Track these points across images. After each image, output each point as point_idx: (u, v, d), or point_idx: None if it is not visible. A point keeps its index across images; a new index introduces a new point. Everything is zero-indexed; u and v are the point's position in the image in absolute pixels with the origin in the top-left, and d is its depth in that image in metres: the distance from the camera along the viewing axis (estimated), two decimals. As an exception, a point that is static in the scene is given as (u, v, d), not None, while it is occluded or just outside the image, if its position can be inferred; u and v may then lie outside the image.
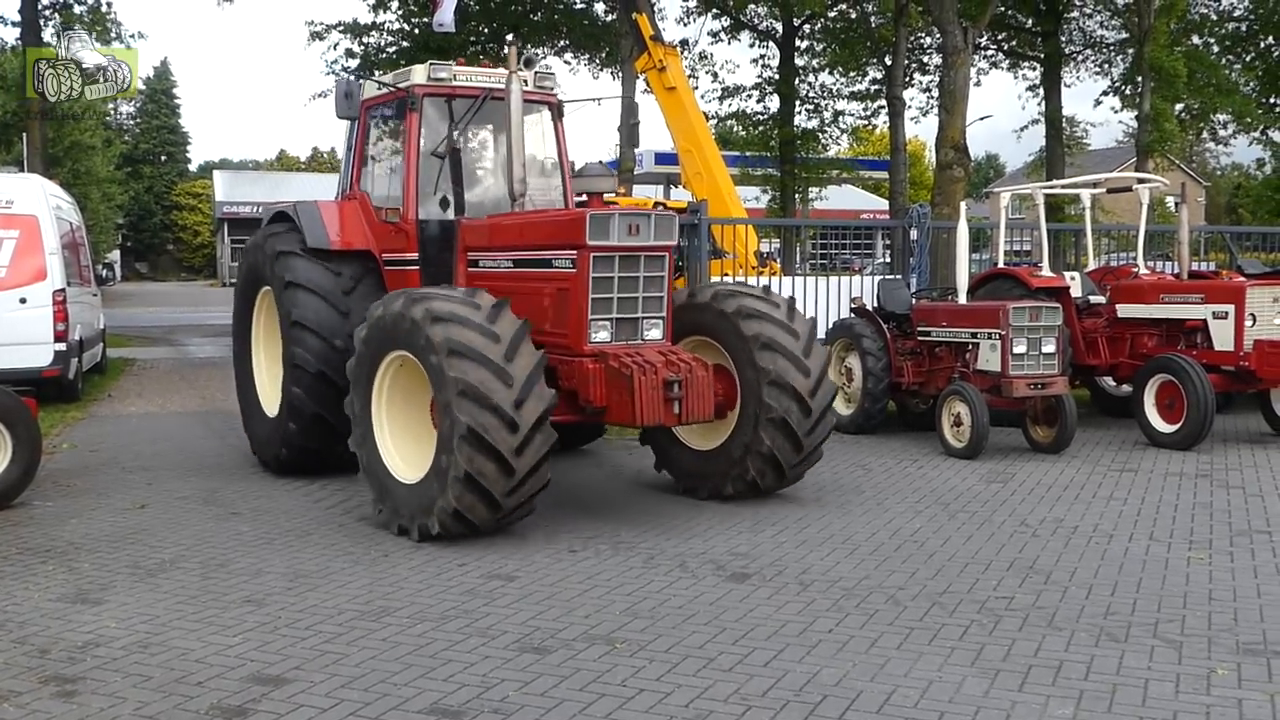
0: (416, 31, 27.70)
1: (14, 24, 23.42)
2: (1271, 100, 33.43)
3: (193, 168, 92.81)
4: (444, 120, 9.92)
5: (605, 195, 8.92)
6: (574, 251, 7.97)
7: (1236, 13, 33.88)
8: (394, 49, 28.26)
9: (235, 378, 11.04)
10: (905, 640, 5.65)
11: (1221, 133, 35.53)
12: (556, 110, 10.34)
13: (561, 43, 30.77)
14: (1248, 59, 33.69)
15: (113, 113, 71.64)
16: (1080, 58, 34.89)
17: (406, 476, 7.80)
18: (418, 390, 7.88)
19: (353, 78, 9.21)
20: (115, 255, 71.95)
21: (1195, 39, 31.94)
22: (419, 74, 9.62)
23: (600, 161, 10.00)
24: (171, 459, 11.06)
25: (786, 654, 5.46)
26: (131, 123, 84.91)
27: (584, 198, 9.28)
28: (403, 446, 8.07)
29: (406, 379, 7.97)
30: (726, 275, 15.05)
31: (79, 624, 5.94)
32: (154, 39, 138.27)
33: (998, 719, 4.67)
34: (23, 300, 13.41)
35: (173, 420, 13.89)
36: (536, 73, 10.02)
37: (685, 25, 37.69)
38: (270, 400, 10.30)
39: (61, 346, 13.80)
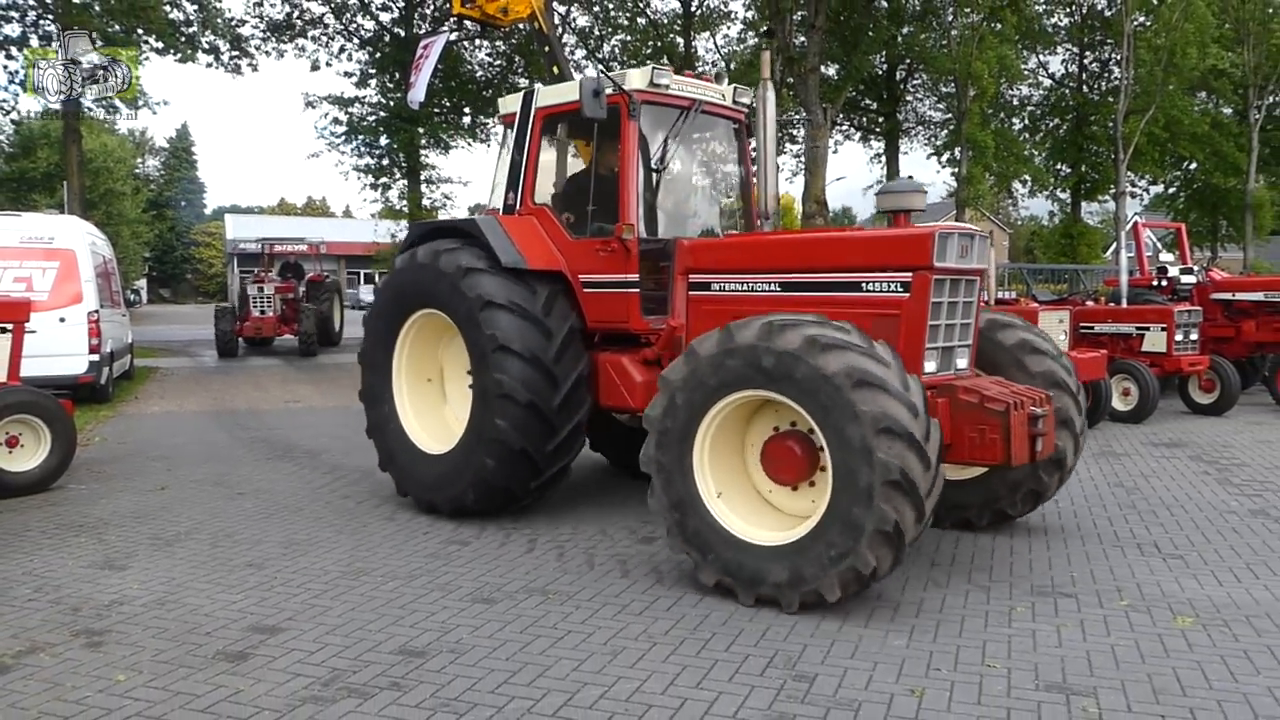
0: (391, 104, 27.34)
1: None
2: (1058, 166, 34.50)
3: (208, 211, 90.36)
4: (651, 130, 7.45)
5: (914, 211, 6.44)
6: (908, 274, 5.78)
7: (1033, 100, 35.02)
8: (373, 117, 27.87)
9: (368, 416, 8.01)
10: (778, 588, 5.68)
11: (1020, 191, 36.52)
12: (746, 129, 8.20)
13: (509, 115, 30.56)
14: (1039, 137, 34.76)
15: (141, 165, 69.66)
16: (914, 132, 35.68)
17: (760, 538, 5.39)
18: (741, 432, 5.76)
19: (599, 75, 6.92)
20: (142, 283, 69.88)
21: (1001, 119, 32.87)
22: (637, 78, 7.20)
23: (909, 176, 7.60)
24: (188, 449, 10.72)
25: (685, 600, 5.45)
26: (157, 174, 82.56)
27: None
28: (735, 501, 5.63)
29: (736, 419, 5.66)
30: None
31: (106, 586, 5.73)
32: (177, 104, 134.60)
33: (849, 649, 4.73)
34: (62, 319, 13.03)
35: (189, 418, 13.48)
36: (735, 88, 7.87)
37: (607, 103, 37.43)
38: (430, 438, 7.66)
39: (95, 357, 13.47)
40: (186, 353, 25.41)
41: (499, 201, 7.88)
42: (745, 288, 6.58)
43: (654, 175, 7.46)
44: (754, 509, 5.66)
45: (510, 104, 7.95)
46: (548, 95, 7.63)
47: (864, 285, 5.98)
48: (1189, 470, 9.30)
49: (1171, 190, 36.22)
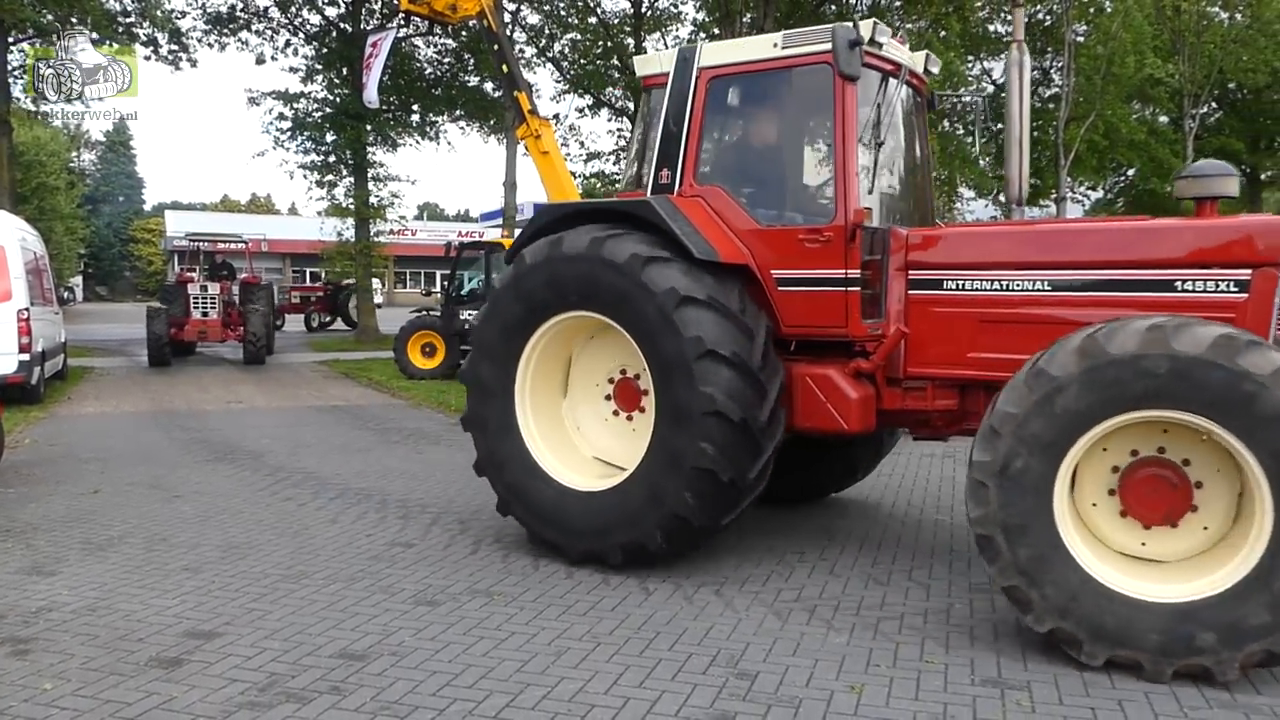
0: (338, 100, 27.01)
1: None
2: (999, 173, 35.21)
3: (147, 207, 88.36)
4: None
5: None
6: (1246, 271, 4.90)
7: (977, 104, 35.67)
8: (319, 114, 27.50)
9: (479, 447, 6.54)
10: (721, 588, 5.73)
11: (966, 195, 37.19)
12: (929, 102, 7.00)
13: (458, 112, 30.42)
14: (985, 140, 35.41)
15: (76, 159, 67.92)
16: (861, 135, 36.06)
17: (1162, 594, 4.39)
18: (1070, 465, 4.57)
19: (854, 21, 5.86)
20: (78, 280, 68.25)
21: (946, 124, 33.43)
22: (850, 34, 5.81)
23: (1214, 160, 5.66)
24: (123, 451, 10.48)
25: (629, 600, 5.47)
26: (93, 168, 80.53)
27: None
28: (1099, 553, 4.63)
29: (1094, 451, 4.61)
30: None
31: (34, 593, 5.57)
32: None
33: (790, 647, 4.78)
34: (-11, 318, 12.70)
35: (125, 419, 13.16)
36: (927, 55, 6.71)
37: (557, 102, 37.53)
38: (571, 471, 6.31)
39: (25, 357, 13.15)
40: (123, 352, 24.82)
41: (632, 181, 6.60)
42: (996, 286, 5.59)
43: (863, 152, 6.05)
44: (1117, 562, 4.65)
45: (658, 63, 6.60)
46: (716, 53, 6.33)
47: (1180, 284, 5.06)
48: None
49: (1110, 196, 37.16)
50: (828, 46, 5.83)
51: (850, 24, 5.86)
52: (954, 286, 5.73)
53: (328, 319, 36.30)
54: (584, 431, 6.61)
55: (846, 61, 5.71)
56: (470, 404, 6.56)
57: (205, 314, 21.50)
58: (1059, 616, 4.46)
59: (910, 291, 5.86)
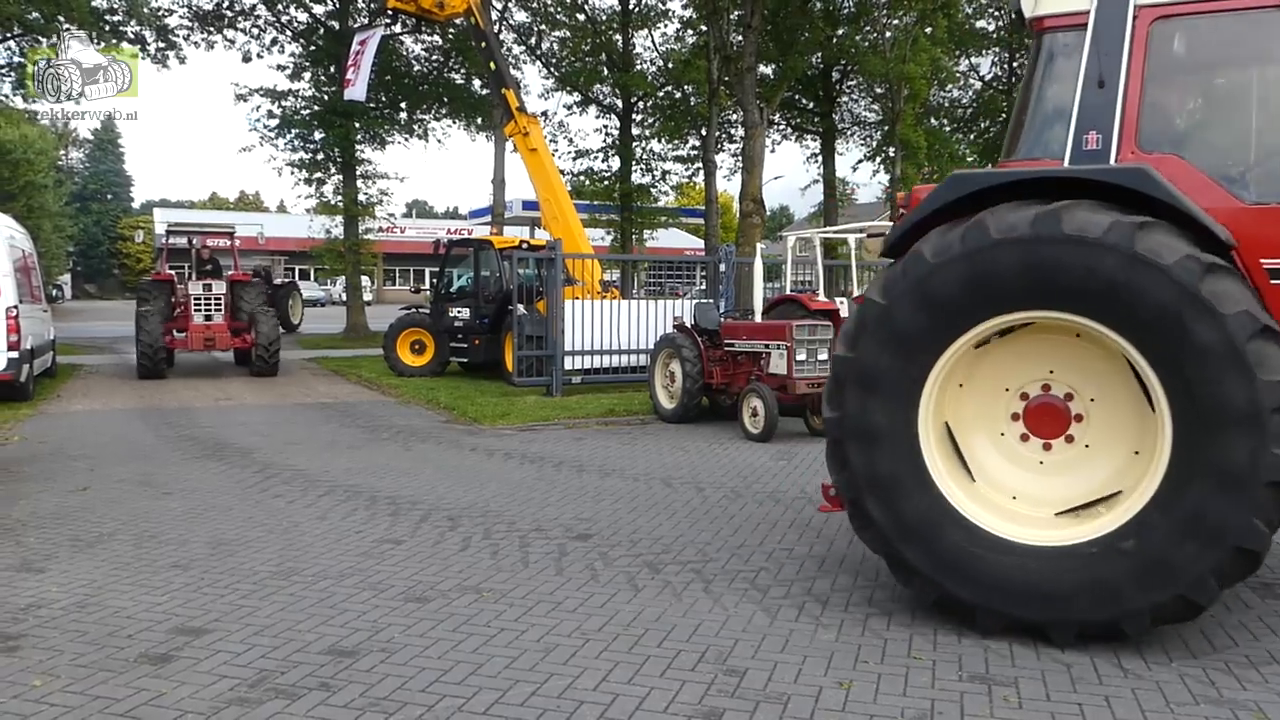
0: (326, 97, 26.90)
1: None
2: (989, 166, 35.29)
3: (136, 205, 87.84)
4: None
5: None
6: None
7: (964, 101, 35.77)
8: (307, 111, 27.39)
9: (877, 511, 4.94)
10: (710, 584, 5.72)
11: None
12: None
13: (445, 110, 30.34)
14: (972, 136, 35.51)
15: (64, 158, 67.49)
16: (849, 132, 36.17)
17: None
18: None
19: None
20: (66, 278, 67.78)
21: (934, 120, 33.50)
22: None
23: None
24: (112, 449, 10.41)
25: (618, 597, 5.46)
26: (81, 166, 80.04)
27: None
28: None
29: None
30: (577, 299, 15.07)
31: (23, 589, 5.53)
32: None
33: (779, 644, 4.77)
34: (-23, 316, 12.56)
35: (115, 416, 13.08)
36: None
37: (545, 99, 37.35)
38: (1003, 519, 4.86)
39: (14, 354, 13.08)
40: (113, 350, 24.69)
41: (1031, 146, 5.33)
42: None
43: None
44: None
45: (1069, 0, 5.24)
46: None
47: None
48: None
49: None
50: None
51: None
52: None
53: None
54: (978, 459, 5.13)
55: None
56: (855, 457, 4.98)
57: (209, 318, 17.87)
58: None
59: None
